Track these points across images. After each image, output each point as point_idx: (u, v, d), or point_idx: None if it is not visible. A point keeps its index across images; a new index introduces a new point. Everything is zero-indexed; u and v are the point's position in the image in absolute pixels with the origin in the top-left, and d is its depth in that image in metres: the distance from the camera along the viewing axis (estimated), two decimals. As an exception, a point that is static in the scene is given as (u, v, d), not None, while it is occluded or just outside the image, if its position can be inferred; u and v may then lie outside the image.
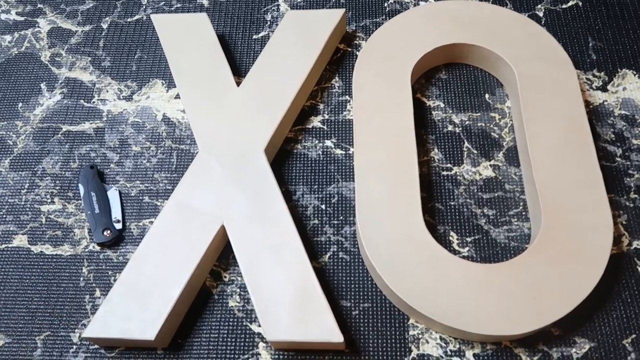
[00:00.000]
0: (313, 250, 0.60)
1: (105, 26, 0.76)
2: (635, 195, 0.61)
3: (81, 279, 0.60)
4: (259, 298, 0.54)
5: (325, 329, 0.52)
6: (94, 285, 0.59)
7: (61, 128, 0.69)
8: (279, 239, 0.57)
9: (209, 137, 0.64)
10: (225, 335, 0.56)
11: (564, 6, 0.75)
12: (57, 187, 0.65)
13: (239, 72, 0.72)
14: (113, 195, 0.64)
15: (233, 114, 0.65)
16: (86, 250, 0.61)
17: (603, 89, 0.68)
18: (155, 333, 0.53)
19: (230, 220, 0.59)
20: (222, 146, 0.63)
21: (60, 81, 0.72)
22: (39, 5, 0.78)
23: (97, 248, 0.61)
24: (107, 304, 0.55)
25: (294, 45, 0.69)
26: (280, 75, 0.67)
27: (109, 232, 0.61)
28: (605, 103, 0.67)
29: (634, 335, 0.54)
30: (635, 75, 0.69)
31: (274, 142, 0.64)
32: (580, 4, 0.75)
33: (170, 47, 0.71)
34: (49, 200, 0.64)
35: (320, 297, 0.54)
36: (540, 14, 0.74)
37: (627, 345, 0.54)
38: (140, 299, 0.55)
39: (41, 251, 0.61)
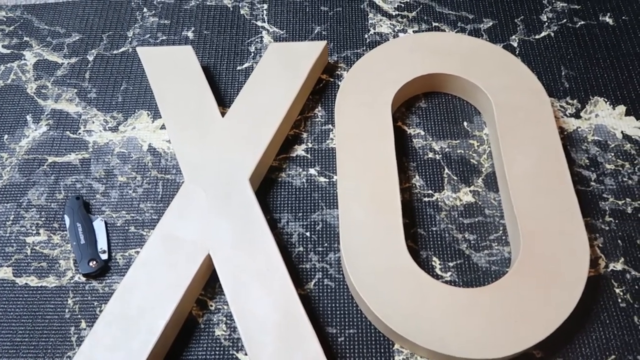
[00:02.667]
0: (298, 277, 0.61)
1: (91, 58, 0.78)
2: (610, 219, 0.63)
3: (66, 310, 0.60)
4: (245, 326, 0.55)
5: (310, 356, 0.53)
6: (79, 316, 0.59)
7: (47, 159, 0.69)
8: (264, 267, 0.58)
9: (195, 167, 0.65)
10: (211, 365, 0.56)
11: (537, 37, 0.78)
12: (43, 219, 0.65)
13: (223, 102, 0.73)
14: (99, 225, 0.64)
15: (218, 144, 0.66)
16: (71, 281, 0.61)
17: (576, 115, 0.71)
18: (141, 364, 0.53)
19: (215, 250, 0.59)
20: (208, 176, 0.64)
21: (46, 113, 0.73)
22: (25, 39, 0.80)
23: (83, 279, 0.61)
24: (93, 336, 0.55)
25: (277, 76, 0.70)
26: (264, 105, 0.68)
27: (94, 262, 0.61)
28: (579, 129, 0.70)
29: (613, 356, 0.55)
30: (606, 102, 0.72)
31: (259, 171, 0.66)
32: (552, 34, 0.78)
33: (155, 79, 0.72)
34: (35, 232, 0.64)
35: (305, 325, 0.54)
36: (515, 44, 0.77)
37: (606, 366, 0.55)
38: (126, 329, 0.55)
39: (26, 283, 0.61)
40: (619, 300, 0.58)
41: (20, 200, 0.66)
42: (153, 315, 0.55)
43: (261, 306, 0.56)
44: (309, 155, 0.69)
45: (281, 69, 0.71)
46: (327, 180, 0.67)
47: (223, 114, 0.69)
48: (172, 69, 0.72)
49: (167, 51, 0.74)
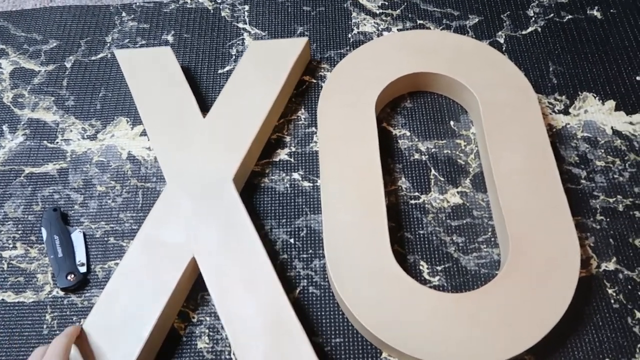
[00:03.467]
0: (283, 285, 0.59)
1: (69, 65, 0.76)
2: (602, 217, 0.62)
3: (44, 326, 0.58)
4: (233, 330, 0.53)
5: (302, 359, 0.51)
6: (57, 332, 0.57)
7: (24, 170, 0.68)
8: (252, 268, 0.56)
9: (177, 169, 0.63)
10: (194, 379, 0.55)
11: (524, 32, 0.76)
12: (20, 232, 0.63)
13: (205, 106, 0.72)
14: (77, 237, 0.62)
15: (200, 144, 0.65)
16: (50, 295, 0.60)
17: (565, 112, 0.69)
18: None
19: (200, 252, 0.58)
20: (190, 177, 0.63)
21: (23, 122, 0.71)
22: (1, 46, 0.78)
23: (61, 293, 0.60)
24: (74, 347, 0.53)
25: (259, 74, 0.69)
26: (247, 103, 0.67)
27: (72, 276, 0.60)
28: (568, 126, 0.68)
29: (607, 359, 0.54)
30: (595, 97, 0.70)
31: (243, 171, 0.64)
32: (539, 29, 0.76)
33: (134, 81, 0.70)
34: (11, 246, 0.63)
35: (296, 326, 0.53)
36: (502, 41, 0.75)
37: (600, 369, 0.54)
38: (109, 338, 0.54)
39: (2, 299, 0.59)
40: (612, 301, 0.57)
41: (-3, 213, 0.65)
42: (138, 323, 0.54)
43: (249, 308, 0.54)
44: (292, 160, 0.67)
45: (262, 66, 0.69)
46: (312, 184, 0.65)
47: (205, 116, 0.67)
48: (151, 70, 0.71)
49: (146, 53, 0.73)
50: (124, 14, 0.80)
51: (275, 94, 0.67)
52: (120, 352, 0.53)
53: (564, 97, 0.70)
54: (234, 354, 0.52)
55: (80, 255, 0.61)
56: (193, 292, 0.59)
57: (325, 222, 0.58)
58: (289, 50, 0.70)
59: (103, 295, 0.56)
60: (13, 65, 0.76)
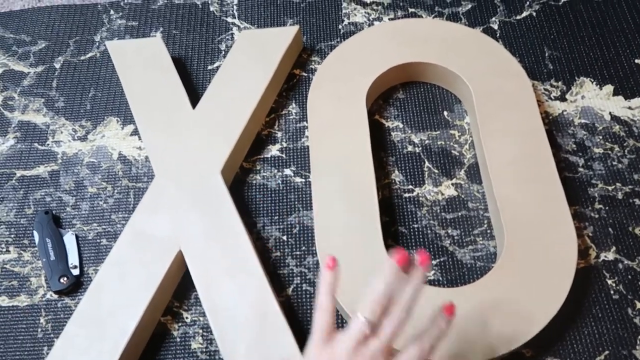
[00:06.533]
0: (276, 283, 0.58)
1: (58, 66, 0.75)
2: (600, 206, 0.60)
3: (39, 330, 0.58)
4: (217, 322, 0.53)
5: (285, 351, 0.51)
6: (52, 335, 0.57)
7: (15, 173, 0.67)
8: (237, 260, 0.56)
9: (165, 161, 0.63)
10: (188, 380, 0.54)
11: (518, 17, 0.74)
12: (12, 235, 0.63)
13: (195, 103, 0.71)
14: (69, 240, 0.62)
15: (189, 136, 0.65)
16: (43, 299, 0.59)
17: (562, 98, 0.67)
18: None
19: (187, 245, 0.57)
20: (179, 169, 0.62)
21: (13, 125, 0.71)
22: (-10, 49, 0.77)
23: (55, 296, 0.59)
24: (64, 337, 0.54)
25: (249, 64, 0.68)
26: (237, 93, 0.66)
27: (65, 279, 0.59)
28: (565, 113, 0.66)
29: (607, 352, 0.53)
30: (593, 82, 0.68)
31: (231, 164, 0.64)
32: (534, 14, 0.74)
33: (125, 72, 0.70)
34: (4, 250, 0.62)
35: (280, 319, 0.53)
36: (495, 27, 0.74)
37: (600, 362, 0.53)
38: (96, 330, 0.54)
39: (-4, 304, 0.59)
40: (612, 292, 0.56)
41: (-11, 218, 0.64)
42: (124, 315, 0.54)
43: (234, 299, 0.54)
44: (283, 155, 0.66)
45: (253, 56, 0.69)
46: (304, 180, 0.64)
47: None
48: (142, 60, 0.71)
49: (137, 44, 0.73)
50: (112, 12, 0.79)
51: (265, 83, 0.66)
52: (108, 344, 0.53)
53: (560, 83, 0.69)
54: (218, 345, 0.52)
55: (73, 258, 0.61)
56: (186, 292, 0.58)
57: (317, 218, 0.58)
58: (279, 40, 0.69)
59: (91, 287, 0.56)
60: (2, 67, 0.75)
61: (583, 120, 0.66)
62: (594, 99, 0.67)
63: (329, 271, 0.43)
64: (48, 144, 0.69)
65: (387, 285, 0.41)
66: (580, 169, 0.63)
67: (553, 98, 0.67)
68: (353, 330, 0.40)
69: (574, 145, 0.64)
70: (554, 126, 0.65)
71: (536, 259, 0.54)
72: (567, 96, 0.68)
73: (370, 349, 0.40)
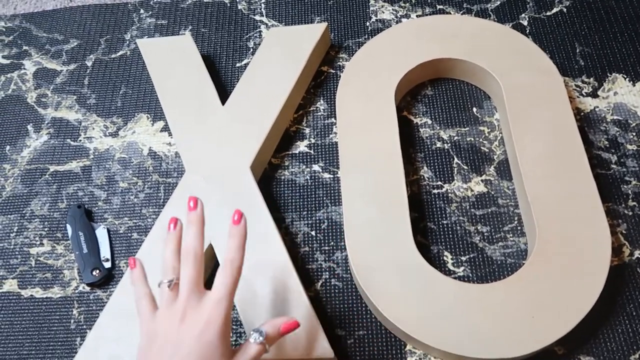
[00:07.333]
0: (304, 278, 0.59)
1: (89, 64, 0.77)
2: (634, 203, 0.59)
3: (72, 321, 0.59)
4: (247, 316, 0.54)
5: (315, 344, 0.52)
6: (84, 327, 0.58)
7: (48, 169, 0.69)
8: (266, 254, 0.57)
9: (195, 156, 0.64)
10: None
11: (548, 13, 0.73)
12: (46, 229, 0.65)
13: (224, 100, 0.71)
14: (101, 233, 0.63)
15: (219, 132, 0.65)
16: (76, 291, 0.60)
17: (593, 95, 0.67)
18: None
19: (217, 239, 0.58)
20: (209, 165, 0.63)
21: (46, 121, 0.72)
22: (24, 48, 0.79)
23: (87, 288, 0.60)
24: (97, 329, 0.55)
25: (278, 61, 0.69)
26: (266, 90, 0.67)
27: (98, 271, 0.60)
28: (597, 109, 0.66)
29: (641, 350, 0.52)
30: (625, 78, 0.67)
31: (261, 159, 0.64)
32: (565, 10, 0.74)
33: (155, 70, 0.71)
34: (38, 243, 0.64)
35: (310, 312, 0.53)
36: (525, 23, 0.73)
37: (634, 361, 0.52)
38: (128, 322, 0.55)
39: (31, 295, 0.61)
40: (646, 289, 0.55)
41: (24, 211, 0.66)
42: None
43: (263, 295, 0.55)
44: (312, 151, 0.67)
45: (281, 53, 0.69)
46: (332, 176, 0.65)
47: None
48: (172, 58, 0.72)
49: (167, 41, 0.74)
50: (142, 10, 0.81)
51: (293, 80, 0.67)
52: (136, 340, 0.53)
53: (591, 79, 0.68)
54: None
55: (105, 251, 0.62)
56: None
57: (346, 214, 0.58)
58: (307, 37, 0.70)
59: (122, 279, 0.58)
60: (36, 65, 0.77)
61: (615, 117, 0.65)
62: (626, 95, 0.66)
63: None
64: (80, 140, 0.70)
65: (168, 244, 0.46)
66: (613, 166, 0.62)
67: (585, 94, 0.67)
68: (160, 300, 0.45)
69: (606, 142, 0.63)
70: (585, 123, 0.65)
71: (568, 256, 0.54)
72: (599, 92, 0.67)
73: (180, 300, 0.43)
